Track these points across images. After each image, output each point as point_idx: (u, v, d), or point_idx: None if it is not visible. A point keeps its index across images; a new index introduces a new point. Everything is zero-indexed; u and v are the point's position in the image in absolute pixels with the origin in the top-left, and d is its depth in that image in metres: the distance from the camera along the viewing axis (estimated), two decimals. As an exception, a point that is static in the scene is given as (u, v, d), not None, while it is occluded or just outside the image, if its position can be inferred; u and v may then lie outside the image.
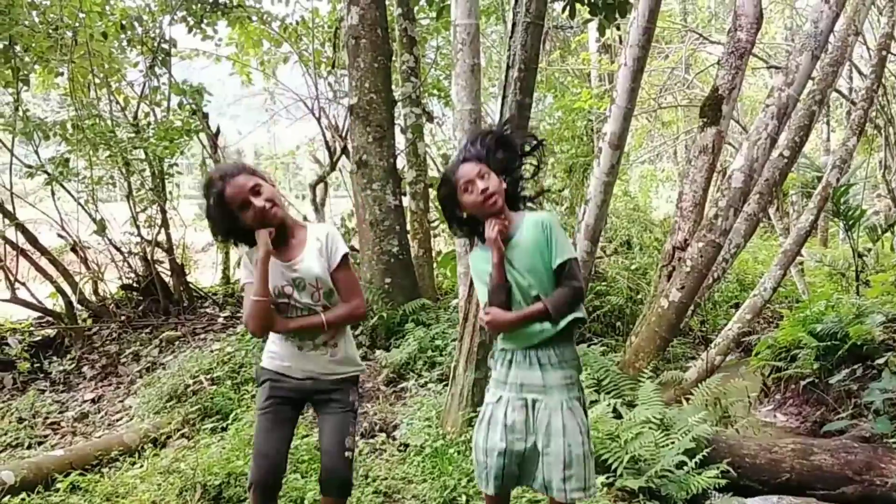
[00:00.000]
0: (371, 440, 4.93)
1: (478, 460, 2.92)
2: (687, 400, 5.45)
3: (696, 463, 4.27)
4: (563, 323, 2.81)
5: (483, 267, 2.89)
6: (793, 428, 6.27)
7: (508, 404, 2.86)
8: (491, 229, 2.81)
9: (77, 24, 7.64)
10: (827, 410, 6.11)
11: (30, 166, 7.40)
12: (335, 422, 3.22)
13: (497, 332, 2.88)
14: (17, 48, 7.50)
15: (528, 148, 3.04)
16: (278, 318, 3.12)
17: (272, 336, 3.23)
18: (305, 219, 9.42)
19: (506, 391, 2.88)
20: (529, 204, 3.06)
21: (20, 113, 7.39)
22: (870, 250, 9.47)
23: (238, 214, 3.06)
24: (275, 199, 3.09)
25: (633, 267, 8.90)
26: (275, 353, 3.23)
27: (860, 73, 12.27)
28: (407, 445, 4.75)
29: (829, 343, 6.29)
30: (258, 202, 3.01)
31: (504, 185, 2.89)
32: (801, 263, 9.83)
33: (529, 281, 2.82)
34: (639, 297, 8.17)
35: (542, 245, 2.83)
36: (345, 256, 3.21)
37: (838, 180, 7.64)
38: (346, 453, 3.20)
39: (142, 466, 4.66)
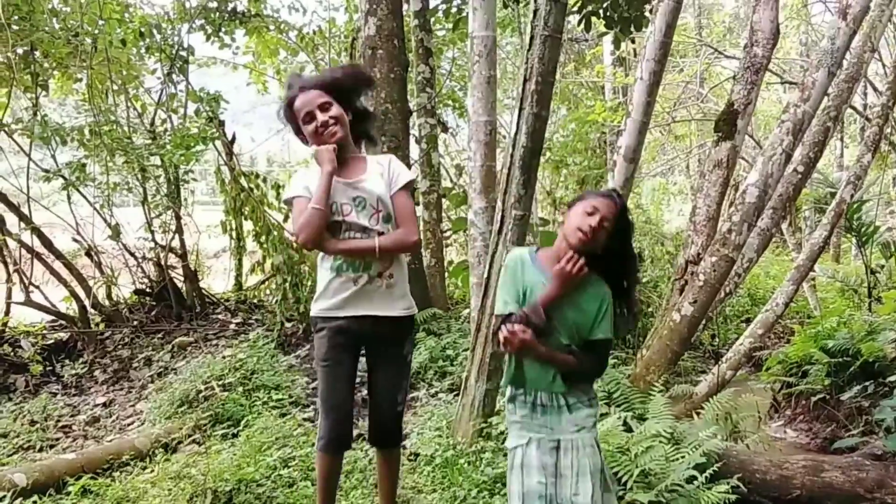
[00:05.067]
0: (381, 449, 4.92)
1: None
2: (697, 414, 5.42)
3: (706, 478, 4.20)
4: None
5: (521, 286, 2.76)
6: (803, 444, 6.21)
7: (539, 446, 2.77)
8: (572, 265, 2.66)
9: (97, 32, 7.70)
10: (837, 427, 6.05)
11: (47, 171, 7.44)
12: (390, 375, 3.23)
13: (518, 351, 2.67)
14: (37, 54, 7.57)
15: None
16: (330, 238, 3.07)
17: (323, 284, 3.16)
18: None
19: (534, 433, 2.79)
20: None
21: (38, 118, 7.44)
22: (883, 267, 9.40)
23: (303, 127, 3.10)
24: (340, 119, 3.10)
25: (644, 280, 8.88)
26: (326, 301, 3.13)
27: (875, 89, 12.22)
28: (417, 455, 4.73)
29: (840, 359, 6.24)
30: (321, 116, 3.05)
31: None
32: (814, 279, 9.78)
33: (566, 331, 2.73)
34: (650, 309, 8.15)
35: (593, 313, 2.74)
36: (408, 182, 3.20)
37: (852, 196, 7.61)
38: (398, 407, 3.24)
39: (153, 471, 4.66)
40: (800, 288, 7.21)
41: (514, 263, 2.84)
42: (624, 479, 4.23)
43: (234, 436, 5.11)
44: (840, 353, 6.25)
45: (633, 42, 7.20)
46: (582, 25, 6.12)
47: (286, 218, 8.05)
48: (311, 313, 3.23)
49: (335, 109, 3.09)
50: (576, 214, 2.70)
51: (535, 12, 4.15)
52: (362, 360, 3.35)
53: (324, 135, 3.08)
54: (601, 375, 2.88)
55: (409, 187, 3.22)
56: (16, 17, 7.22)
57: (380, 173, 3.17)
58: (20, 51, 7.48)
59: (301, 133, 3.21)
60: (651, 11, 6.09)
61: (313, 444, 4.68)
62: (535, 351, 2.66)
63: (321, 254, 3.18)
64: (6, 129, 7.37)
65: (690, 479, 4.21)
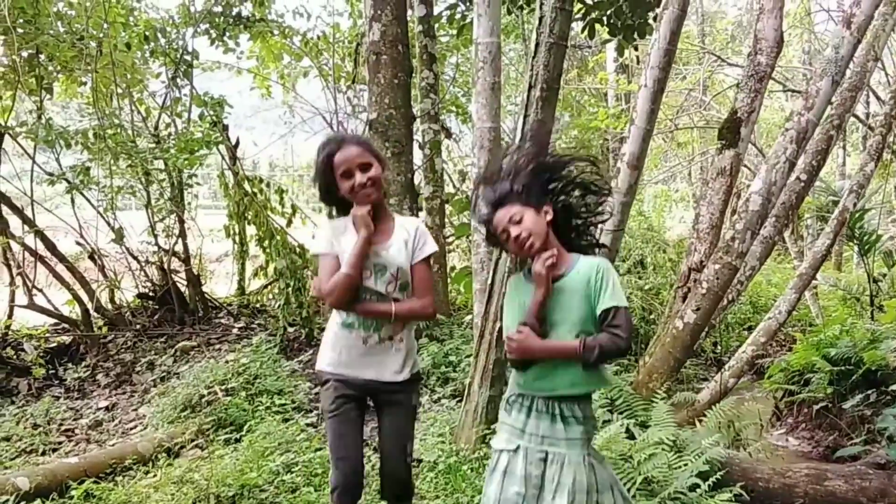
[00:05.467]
0: (383, 455, 4.91)
1: None
2: (700, 422, 5.42)
3: (709, 486, 4.20)
4: (591, 373, 2.65)
5: (520, 299, 2.73)
6: (805, 452, 6.21)
7: (527, 456, 2.72)
8: (541, 264, 2.63)
9: (101, 35, 7.71)
10: (840, 436, 6.05)
11: (51, 174, 7.45)
12: (398, 425, 3.19)
13: (522, 357, 2.66)
14: (42, 57, 7.58)
15: (575, 171, 2.81)
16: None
17: (331, 337, 3.16)
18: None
19: (524, 441, 2.74)
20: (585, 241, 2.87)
21: (43, 121, 7.45)
22: (885, 275, 9.39)
23: (337, 181, 3.06)
24: (378, 182, 3.08)
25: (646, 287, 8.87)
26: (334, 356, 3.14)
27: (878, 98, 12.23)
28: (420, 461, 4.71)
29: (842, 368, 6.24)
30: (360, 177, 3.02)
31: (548, 217, 2.71)
32: (816, 287, 9.76)
33: (570, 327, 2.65)
34: (651, 316, 8.14)
35: (593, 290, 2.65)
36: (431, 254, 3.18)
37: (855, 205, 7.61)
38: (408, 459, 3.20)
39: (155, 476, 4.67)
40: (802, 296, 7.20)
41: (510, 287, 2.87)
42: (627, 487, 4.20)
43: (237, 441, 5.11)
44: (842, 361, 6.25)
45: (636, 49, 7.20)
46: (586, 32, 6.12)
47: (289, 222, 8.06)
48: (318, 367, 3.23)
49: (374, 171, 3.07)
50: (506, 247, 2.75)
51: (540, 19, 4.16)
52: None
53: (359, 195, 3.05)
54: (627, 348, 2.65)
55: (430, 258, 3.20)
56: (21, 21, 7.23)
57: (404, 240, 3.14)
58: (25, 54, 7.48)
59: (328, 188, 3.16)
60: (655, 19, 6.10)
61: (316, 450, 4.71)
62: (535, 348, 2.63)
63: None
64: (11, 132, 7.37)
65: (693, 487, 4.21)
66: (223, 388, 5.77)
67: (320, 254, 3.12)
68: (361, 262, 3.01)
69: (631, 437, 4.79)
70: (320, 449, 4.70)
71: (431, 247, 3.19)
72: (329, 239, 3.12)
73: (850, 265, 15.19)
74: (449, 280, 7.79)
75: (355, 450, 3.13)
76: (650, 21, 6.20)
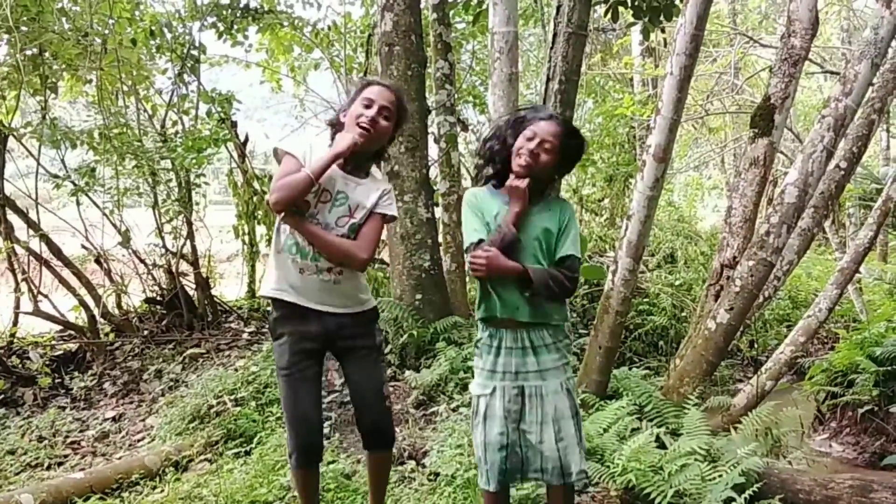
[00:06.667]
0: (400, 467, 4.69)
1: (478, 458, 2.91)
2: (735, 428, 5.16)
3: (745, 499, 3.94)
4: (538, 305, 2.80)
5: (490, 207, 2.87)
6: (849, 459, 5.96)
7: (504, 394, 2.83)
8: (520, 181, 2.78)
9: (107, 31, 7.54)
10: (887, 441, 5.81)
11: (56, 176, 7.30)
12: (368, 369, 3.11)
13: (488, 275, 2.76)
14: (46, 55, 7.42)
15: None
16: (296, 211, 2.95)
17: (271, 260, 3.06)
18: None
19: (498, 380, 2.85)
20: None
21: (48, 121, 7.29)
22: (935, 267, 9.09)
23: (353, 103, 3.01)
24: (380, 132, 3.01)
25: (677, 283, 8.55)
26: (278, 279, 3.02)
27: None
28: (437, 475, 4.49)
29: (889, 368, 5.97)
30: (370, 112, 2.94)
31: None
32: (860, 281, 9.37)
33: (528, 252, 2.81)
34: (683, 314, 7.84)
35: (555, 228, 2.86)
36: (391, 217, 3.11)
37: (900, 193, 7.27)
38: (386, 402, 3.11)
39: (163, 491, 4.55)
40: (844, 291, 6.89)
41: (471, 198, 2.95)
42: (657, 500, 4.00)
43: (247, 453, 4.95)
44: (889, 360, 6.00)
45: (663, 32, 6.89)
46: (609, 16, 5.86)
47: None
48: (262, 291, 3.10)
49: (386, 123, 3.01)
50: (518, 140, 2.84)
51: (558, 9, 3.96)
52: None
53: (358, 125, 2.96)
54: (570, 294, 2.89)
55: (388, 221, 3.14)
56: (24, 19, 7.07)
57: (376, 189, 3.06)
58: (29, 52, 7.32)
59: (343, 112, 3.10)
60: (682, 0, 5.83)
61: (329, 463, 4.53)
62: (503, 267, 2.72)
63: (277, 226, 3.05)
64: (15, 132, 7.22)
65: (728, 501, 3.96)
66: (232, 397, 5.60)
67: (288, 153, 2.96)
68: (324, 170, 2.86)
69: (661, 446, 4.57)
70: (332, 462, 4.53)
71: (394, 210, 3.14)
72: (304, 149, 2.98)
73: (896, 256, 14.72)
74: (467, 279, 7.53)
75: (313, 409, 3.02)
76: (677, 2, 5.94)
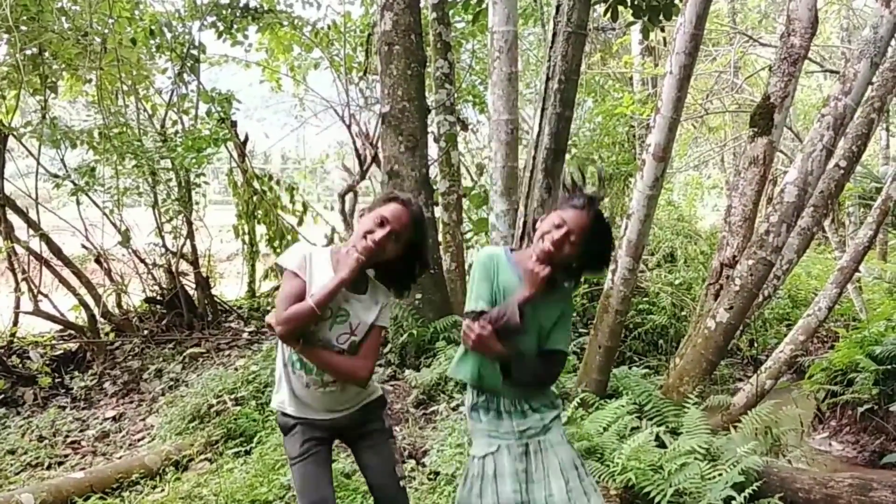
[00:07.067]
0: (398, 467, 4.71)
1: None
2: (735, 427, 5.17)
3: (745, 497, 3.98)
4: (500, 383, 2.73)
5: (504, 276, 2.76)
6: (849, 458, 5.97)
7: (510, 452, 2.76)
8: (541, 267, 2.65)
9: (106, 31, 7.55)
10: (887, 440, 5.83)
11: (56, 175, 7.31)
12: (381, 454, 3.06)
13: (474, 348, 2.64)
14: (46, 55, 7.43)
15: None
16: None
17: (278, 371, 3.04)
18: (334, 230, 9.30)
19: (503, 440, 2.77)
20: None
21: (47, 120, 7.30)
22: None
23: (363, 218, 2.94)
24: (386, 250, 2.90)
25: (676, 282, 8.55)
26: (286, 396, 3.00)
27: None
28: (437, 474, 4.51)
29: (889, 366, 6.00)
30: (380, 233, 2.85)
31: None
32: (859, 280, 9.37)
33: (526, 337, 2.73)
34: (683, 313, 7.85)
35: (552, 319, 2.78)
36: (385, 329, 3.08)
37: (900, 192, 7.27)
38: (401, 482, 3.07)
39: (163, 491, 4.55)
40: (844, 290, 6.89)
41: (488, 261, 2.81)
42: (657, 500, 4.02)
43: (247, 453, 4.96)
44: (889, 359, 6.02)
45: (662, 31, 6.88)
46: (608, 15, 5.86)
47: (300, 221, 7.86)
48: (273, 405, 3.09)
49: (394, 246, 2.91)
50: (546, 222, 2.73)
51: (557, 8, 3.94)
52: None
53: (364, 244, 2.87)
54: (549, 386, 2.89)
55: (383, 331, 3.07)
56: (24, 18, 7.08)
57: (375, 302, 3.00)
58: (29, 52, 7.32)
59: (353, 220, 3.06)
60: (681, 0, 5.84)
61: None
62: (491, 349, 2.61)
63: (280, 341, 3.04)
64: (15, 132, 7.23)
65: (728, 500, 4.00)
66: (232, 397, 5.60)
67: (289, 270, 2.91)
68: (329, 300, 2.82)
69: (661, 445, 4.59)
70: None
71: (387, 320, 3.08)
72: (303, 261, 2.92)
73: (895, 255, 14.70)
74: (466, 278, 7.54)
75: (327, 490, 2.98)
76: (676, 1, 5.94)
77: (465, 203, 8.46)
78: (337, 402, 2.97)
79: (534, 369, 2.76)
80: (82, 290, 7.23)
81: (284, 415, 3.03)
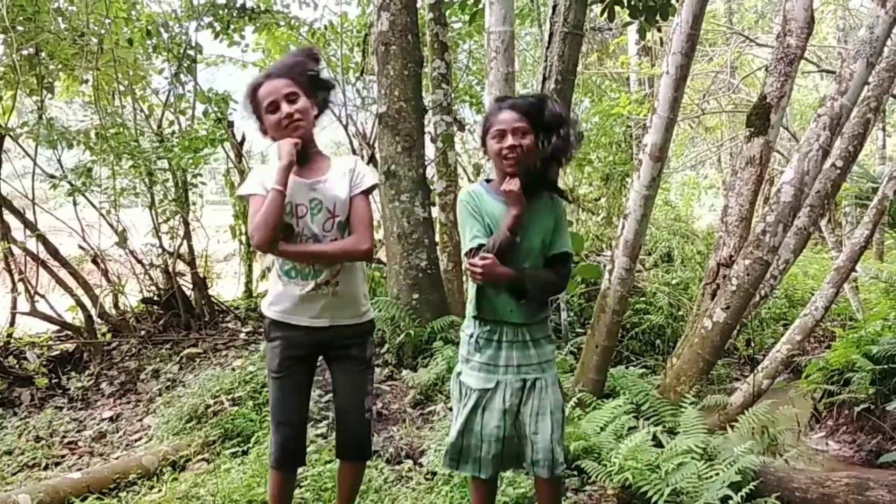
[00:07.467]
0: (397, 467, 4.70)
1: (469, 445, 2.89)
2: (732, 427, 5.17)
3: (742, 497, 3.95)
4: (533, 309, 2.83)
5: (489, 208, 2.82)
6: (846, 457, 5.97)
7: (507, 388, 2.84)
8: (514, 185, 2.73)
9: (103, 31, 7.53)
10: (884, 439, 5.83)
11: (53, 176, 7.30)
12: (353, 381, 3.09)
13: (485, 280, 2.75)
14: (42, 55, 7.42)
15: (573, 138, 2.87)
16: (282, 241, 2.89)
17: (271, 281, 3.05)
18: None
19: (501, 374, 2.84)
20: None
21: (44, 121, 7.29)
22: (930, 265, 9.11)
23: (264, 119, 2.92)
24: (306, 114, 2.91)
25: (673, 281, 8.57)
26: (277, 301, 3.00)
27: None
28: (434, 474, 4.49)
29: (885, 366, 5.99)
30: (286, 108, 2.84)
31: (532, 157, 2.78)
32: (856, 279, 9.39)
33: (530, 254, 2.83)
34: (680, 313, 7.86)
35: (549, 227, 2.85)
36: (371, 187, 3.03)
37: (895, 192, 7.27)
38: (367, 414, 3.08)
39: (160, 491, 4.53)
40: (840, 289, 6.90)
41: (470, 199, 2.88)
42: (654, 499, 4.01)
43: (244, 453, 4.94)
44: (885, 359, 6.01)
45: (659, 31, 6.89)
46: (605, 15, 5.87)
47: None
48: (263, 310, 3.09)
49: (302, 102, 2.89)
50: (491, 144, 2.79)
51: (554, 8, 3.96)
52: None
53: (287, 128, 2.87)
54: (562, 290, 3.12)
55: (370, 191, 3.07)
56: (20, 18, 7.07)
57: (342, 173, 2.98)
58: (25, 52, 7.32)
59: (263, 124, 3.02)
60: (678, 0, 5.85)
61: (326, 462, 4.51)
62: (499, 274, 2.71)
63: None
64: (12, 133, 7.22)
65: (725, 499, 3.97)
66: (230, 397, 5.57)
67: (250, 195, 2.91)
68: (286, 177, 2.80)
69: (658, 445, 4.55)
70: (330, 461, 4.50)
71: (371, 179, 3.05)
72: (261, 181, 2.91)
73: (892, 255, 14.69)
74: (464, 279, 7.54)
75: (298, 414, 3.04)
76: (673, 1, 5.95)
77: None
78: (331, 306, 2.96)
79: (546, 278, 2.85)
80: (79, 291, 7.21)
81: (273, 323, 3.02)
